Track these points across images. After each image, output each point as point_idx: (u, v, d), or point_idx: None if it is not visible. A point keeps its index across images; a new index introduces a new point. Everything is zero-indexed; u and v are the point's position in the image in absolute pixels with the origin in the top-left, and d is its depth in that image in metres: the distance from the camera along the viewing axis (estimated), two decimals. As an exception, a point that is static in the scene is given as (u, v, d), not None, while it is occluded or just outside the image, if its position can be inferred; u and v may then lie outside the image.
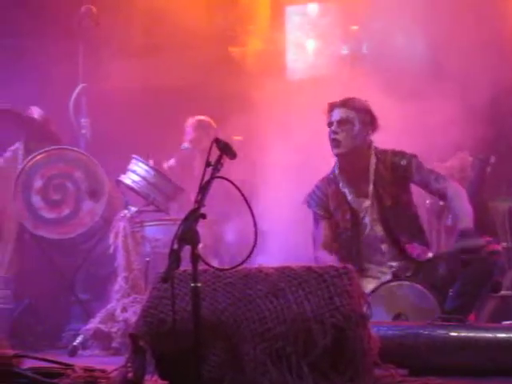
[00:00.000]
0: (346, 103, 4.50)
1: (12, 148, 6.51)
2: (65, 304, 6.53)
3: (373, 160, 4.49)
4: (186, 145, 6.56)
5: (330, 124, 4.50)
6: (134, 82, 7.28)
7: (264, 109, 6.00)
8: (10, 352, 3.43)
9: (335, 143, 4.45)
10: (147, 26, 7.24)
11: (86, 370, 3.21)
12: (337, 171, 4.60)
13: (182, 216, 2.66)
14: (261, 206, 4.60)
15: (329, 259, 4.26)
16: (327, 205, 4.58)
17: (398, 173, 4.45)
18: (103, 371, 3.26)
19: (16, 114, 6.55)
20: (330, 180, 4.62)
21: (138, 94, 7.10)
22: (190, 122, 6.63)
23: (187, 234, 2.56)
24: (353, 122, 4.45)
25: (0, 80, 7.01)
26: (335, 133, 4.44)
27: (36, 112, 6.60)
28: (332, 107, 4.53)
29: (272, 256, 5.13)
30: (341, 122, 4.45)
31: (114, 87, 7.15)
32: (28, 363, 3.39)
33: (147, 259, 5.65)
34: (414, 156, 4.47)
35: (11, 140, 6.59)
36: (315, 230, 4.61)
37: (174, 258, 2.49)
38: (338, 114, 4.48)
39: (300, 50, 7.69)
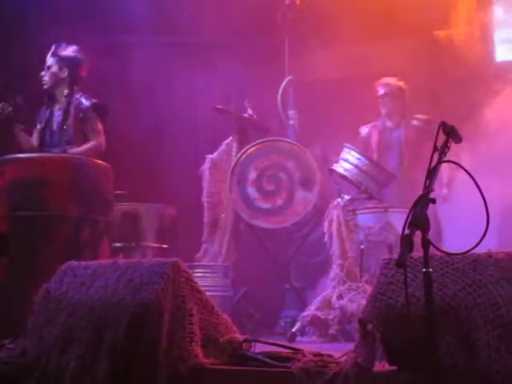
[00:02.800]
0: None
1: (226, 141, 6.74)
2: (279, 291, 6.68)
3: None
4: None
5: None
6: (338, 72, 7.32)
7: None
8: (241, 337, 3.56)
9: None
10: (350, 16, 7.24)
11: (315, 354, 3.25)
12: None
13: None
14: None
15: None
16: None
17: None
18: (330, 356, 3.28)
19: (229, 111, 6.76)
20: None
21: (342, 84, 7.13)
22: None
23: (418, 219, 2.55)
24: None
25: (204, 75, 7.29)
26: None
27: (247, 105, 6.77)
28: None
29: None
30: None
31: (318, 78, 7.23)
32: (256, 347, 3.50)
33: (362, 247, 5.67)
34: None
35: (225, 133, 6.83)
36: None
37: (407, 243, 2.48)
38: None
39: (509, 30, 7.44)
